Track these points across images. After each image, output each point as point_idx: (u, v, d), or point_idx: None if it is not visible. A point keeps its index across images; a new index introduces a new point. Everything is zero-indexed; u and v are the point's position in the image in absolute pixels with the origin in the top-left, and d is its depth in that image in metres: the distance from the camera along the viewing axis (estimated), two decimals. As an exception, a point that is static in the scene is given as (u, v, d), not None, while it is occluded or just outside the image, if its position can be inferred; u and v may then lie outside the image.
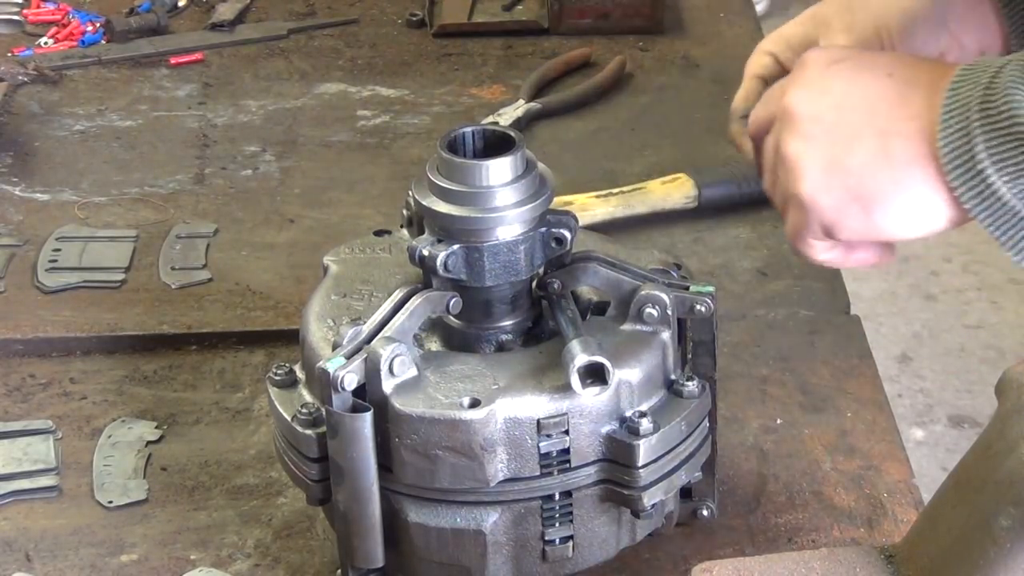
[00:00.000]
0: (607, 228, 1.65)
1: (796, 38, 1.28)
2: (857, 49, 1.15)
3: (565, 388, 1.10)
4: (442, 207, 1.15)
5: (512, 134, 1.17)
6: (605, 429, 1.13)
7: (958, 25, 1.27)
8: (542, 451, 1.12)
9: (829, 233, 1.10)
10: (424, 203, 1.16)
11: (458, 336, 1.20)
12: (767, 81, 1.27)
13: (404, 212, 1.24)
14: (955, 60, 1.27)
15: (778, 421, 1.44)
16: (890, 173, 1.05)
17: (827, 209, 1.08)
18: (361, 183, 1.89)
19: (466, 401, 1.11)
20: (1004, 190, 1.01)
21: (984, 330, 3.56)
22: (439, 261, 1.14)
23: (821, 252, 1.12)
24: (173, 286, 1.67)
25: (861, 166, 1.06)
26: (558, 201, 1.23)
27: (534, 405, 1.11)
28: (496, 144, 1.17)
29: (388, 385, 1.11)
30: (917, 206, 1.06)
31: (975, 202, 1.02)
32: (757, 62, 1.29)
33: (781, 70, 1.27)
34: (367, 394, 1.12)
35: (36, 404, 1.49)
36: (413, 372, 1.13)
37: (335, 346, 1.13)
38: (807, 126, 1.08)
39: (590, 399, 1.11)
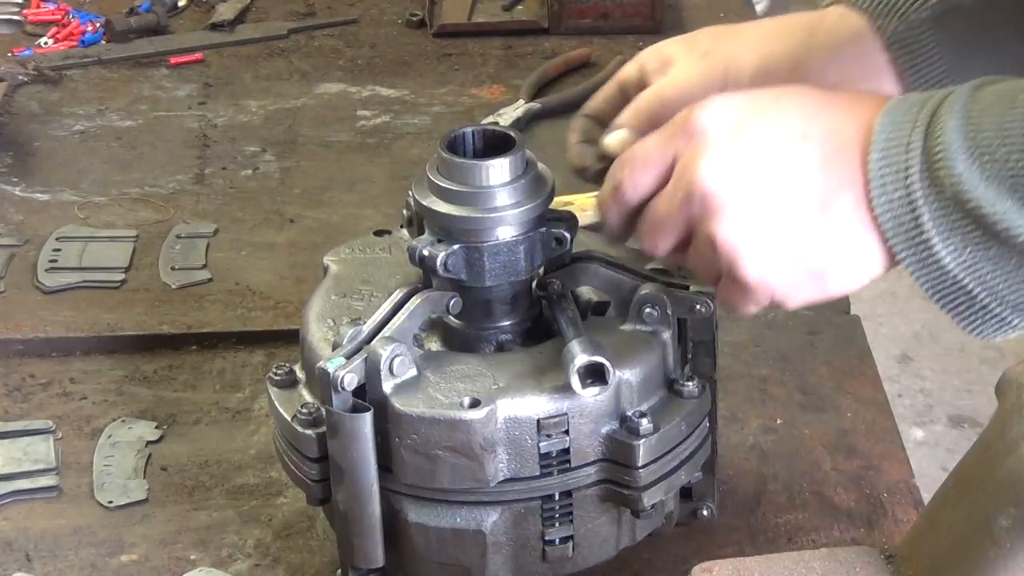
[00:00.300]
0: (607, 228, 1.65)
1: (666, 54, 1.24)
2: (747, 99, 1.07)
3: (565, 388, 1.10)
4: (442, 207, 1.15)
5: (512, 134, 1.17)
6: (605, 429, 1.13)
7: (841, 75, 1.22)
8: (542, 451, 1.12)
9: (779, 303, 1.07)
10: (424, 203, 1.16)
11: (458, 336, 1.20)
12: (623, 90, 1.25)
13: (404, 212, 1.24)
14: None
15: (778, 421, 1.44)
16: (840, 244, 1.03)
17: (779, 288, 1.05)
18: (361, 183, 1.89)
19: (466, 401, 1.11)
20: (948, 259, 0.99)
21: (984, 330, 3.55)
22: (439, 261, 1.14)
23: (758, 310, 1.10)
24: (173, 286, 1.67)
25: (808, 241, 1.03)
26: (558, 201, 1.22)
27: (534, 405, 1.11)
28: (496, 144, 1.17)
29: (388, 385, 1.11)
30: (866, 267, 1.04)
31: (916, 267, 1.01)
32: (626, 69, 1.26)
33: (641, 84, 1.23)
34: (367, 394, 1.12)
35: (36, 404, 1.49)
36: (413, 372, 1.13)
37: (335, 346, 1.13)
38: (737, 210, 1.03)
39: (590, 399, 1.11)
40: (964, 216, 0.97)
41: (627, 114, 1.21)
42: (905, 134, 1.00)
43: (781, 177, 1.03)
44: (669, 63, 1.23)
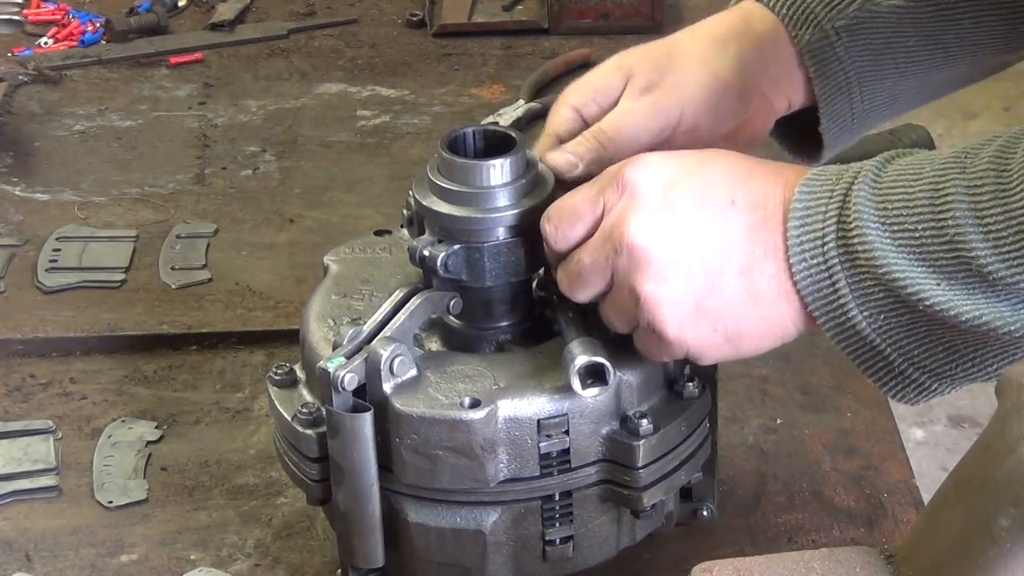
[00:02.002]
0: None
1: (601, 92, 1.24)
2: (678, 160, 1.10)
3: (565, 388, 1.10)
4: (442, 207, 1.15)
5: (513, 134, 1.17)
6: (605, 429, 1.13)
7: (770, 88, 1.26)
8: (542, 451, 1.12)
9: (692, 359, 1.10)
10: (424, 203, 1.16)
11: (458, 336, 1.20)
12: (563, 140, 1.24)
13: (404, 212, 1.24)
14: (764, 119, 1.26)
15: (778, 421, 1.44)
16: (758, 311, 1.06)
17: (694, 347, 1.08)
18: (361, 183, 1.89)
19: (466, 401, 1.11)
20: (864, 325, 1.03)
21: (984, 330, 3.55)
22: (439, 261, 1.14)
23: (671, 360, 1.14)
24: (173, 286, 1.67)
25: (729, 306, 1.06)
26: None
27: (534, 405, 1.11)
28: (497, 144, 1.17)
29: (388, 385, 1.11)
30: (779, 334, 1.08)
31: (835, 331, 1.05)
32: (559, 116, 1.25)
33: (583, 125, 1.24)
34: (367, 394, 1.12)
35: (36, 404, 1.49)
36: (413, 372, 1.13)
37: (335, 346, 1.13)
38: (663, 267, 1.05)
39: (590, 399, 1.11)
40: (877, 283, 1.01)
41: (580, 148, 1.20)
42: (822, 204, 1.03)
43: (708, 241, 1.05)
44: (609, 99, 1.23)
